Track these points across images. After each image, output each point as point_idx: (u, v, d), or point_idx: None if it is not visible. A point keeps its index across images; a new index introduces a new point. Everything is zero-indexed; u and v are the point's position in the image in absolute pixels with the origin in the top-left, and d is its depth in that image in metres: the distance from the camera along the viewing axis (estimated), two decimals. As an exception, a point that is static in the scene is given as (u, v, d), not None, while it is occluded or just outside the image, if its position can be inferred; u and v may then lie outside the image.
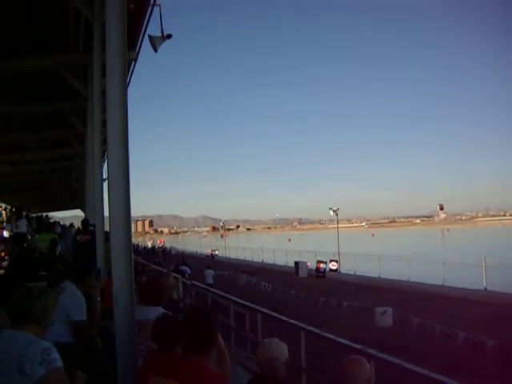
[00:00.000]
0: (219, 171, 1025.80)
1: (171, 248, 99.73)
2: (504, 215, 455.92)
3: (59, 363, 3.38)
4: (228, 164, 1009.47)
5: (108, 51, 5.30)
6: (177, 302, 13.33)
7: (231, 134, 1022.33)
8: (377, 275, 44.10)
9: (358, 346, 6.66)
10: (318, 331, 8.27)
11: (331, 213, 69.40)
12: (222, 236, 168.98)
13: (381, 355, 6.12)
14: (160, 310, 5.85)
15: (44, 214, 40.29)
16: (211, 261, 72.36)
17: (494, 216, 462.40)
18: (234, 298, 13.60)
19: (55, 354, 3.39)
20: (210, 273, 35.22)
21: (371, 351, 6.21)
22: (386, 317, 24.38)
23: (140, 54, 13.26)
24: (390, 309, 24.66)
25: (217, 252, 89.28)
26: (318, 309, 28.25)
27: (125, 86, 5.24)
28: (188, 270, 30.09)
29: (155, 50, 7.31)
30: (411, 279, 40.03)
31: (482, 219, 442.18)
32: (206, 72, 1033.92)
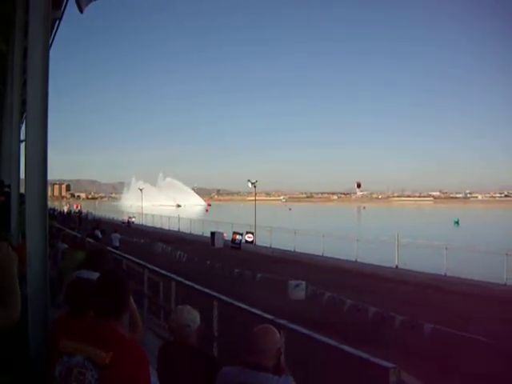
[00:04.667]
0: (140, 139, 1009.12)
1: (88, 213, 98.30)
2: (419, 196, 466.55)
3: None
4: (148, 133, 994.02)
5: (31, 8, 5.18)
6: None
7: (155, 104, 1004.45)
8: (292, 249, 44.59)
9: (270, 316, 6.75)
10: (230, 301, 8.35)
11: (249, 185, 69.51)
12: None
13: (291, 326, 6.23)
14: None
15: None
16: (128, 228, 71.91)
17: (409, 196, 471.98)
18: (148, 265, 13.56)
19: None
20: (116, 236, 36.51)
21: (282, 321, 6.31)
22: (299, 290, 24.68)
23: (66, 14, 12.85)
24: (304, 282, 24.96)
25: (133, 219, 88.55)
26: (232, 279, 28.40)
27: (47, 46, 5.14)
28: (99, 234, 30.12)
29: (81, 11, 7.14)
30: (325, 254, 40.62)
31: (397, 199, 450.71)
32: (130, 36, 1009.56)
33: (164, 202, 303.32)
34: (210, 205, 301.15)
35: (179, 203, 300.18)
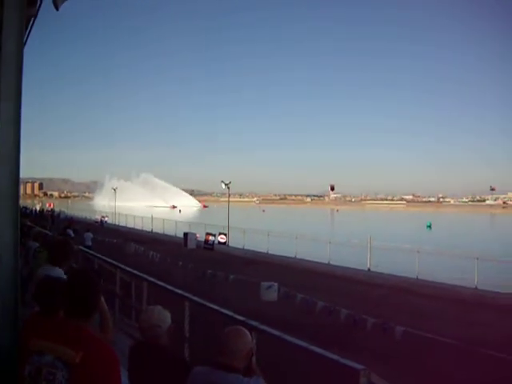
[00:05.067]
0: (115, 139, 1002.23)
1: (60, 212, 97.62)
2: (392, 200, 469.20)
3: None
4: (123, 134, 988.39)
5: (5, 5, 5.14)
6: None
7: (130, 103, 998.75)
8: (265, 250, 44.65)
9: (241, 318, 6.77)
10: (202, 301, 8.34)
11: (223, 186, 69.49)
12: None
13: (262, 327, 6.24)
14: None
15: None
16: (100, 227, 71.51)
17: (382, 200, 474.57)
18: (120, 265, 13.51)
19: None
20: (88, 235, 36.59)
21: (253, 323, 6.33)
22: (271, 291, 24.70)
23: (41, 12, 12.66)
24: (276, 284, 25.00)
25: (106, 219, 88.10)
26: (204, 280, 28.38)
27: (21, 43, 5.11)
28: (71, 233, 29.98)
29: (56, 8, 7.09)
30: (298, 256, 40.74)
31: (370, 202, 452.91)
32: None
33: (155, 203, 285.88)
34: (206, 206, 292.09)
35: (174, 204, 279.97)
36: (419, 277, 31.12)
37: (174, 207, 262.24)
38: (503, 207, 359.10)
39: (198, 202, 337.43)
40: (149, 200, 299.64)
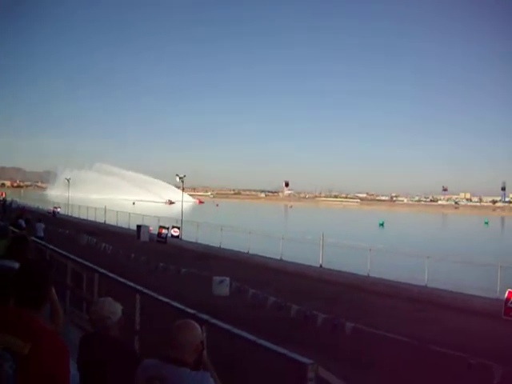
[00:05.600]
0: (68, 129, 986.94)
1: (12, 201, 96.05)
2: (345, 197, 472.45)
3: None
4: (77, 124, 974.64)
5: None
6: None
7: (79, 92, 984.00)
8: (218, 245, 44.61)
9: (191, 311, 6.77)
10: (153, 294, 8.33)
11: (177, 179, 69.17)
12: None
13: (213, 321, 6.26)
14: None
15: None
16: (53, 218, 70.69)
17: (335, 197, 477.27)
18: (72, 256, 13.38)
19: None
20: (40, 226, 35.45)
21: (204, 316, 6.34)
22: (223, 286, 24.75)
23: None
24: (228, 278, 25.05)
25: (59, 209, 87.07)
26: (156, 273, 28.29)
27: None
28: (23, 223, 29.56)
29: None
30: (251, 251, 40.79)
31: (324, 199, 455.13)
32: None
33: (141, 197, 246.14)
34: (202, 202, 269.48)
35: (171, 199, 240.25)
36: (370, 274, 31.40)
37: (171, 203, 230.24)
38: (455, 207, 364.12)
39: (190, 198, 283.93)
40: (128, 193, 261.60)
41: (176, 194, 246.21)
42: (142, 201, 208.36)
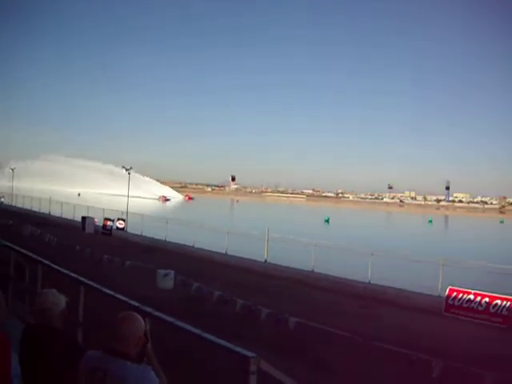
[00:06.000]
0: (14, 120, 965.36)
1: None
2: (292, 193, 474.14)
3: None
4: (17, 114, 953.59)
5: None
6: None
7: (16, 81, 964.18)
8: (163, 238, 44.47)
9: (135, 303, 6.77)
10: (97, 286, 8.29)
11: (124, 171, 68.60)
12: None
13: (156, 313, 6.26)
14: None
15: None
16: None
17: (282, 192, 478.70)
18: (15, 247, 13.20)
19: None
20: None
21: (147, 309, 6.34)
22: (167, 279, 24.72)
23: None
24: (172, 272, 25.03)
25: (2, 199, 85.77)
26: (101, 265, 28.11)
27: None
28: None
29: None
30: (196, 245, 40.75)
31: (270, 194, 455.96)
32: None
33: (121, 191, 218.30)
34: (191, 198, 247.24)
35: (166, 196, 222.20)
36: (315, 270, 31.64)
37: (165, 200, 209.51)
38: (400, 205, 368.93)
39: (177, 193, 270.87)
40: (106, 187, 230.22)
41: (161, 190, 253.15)
42: (120, 195, 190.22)
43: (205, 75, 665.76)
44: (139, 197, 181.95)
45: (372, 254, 29.89)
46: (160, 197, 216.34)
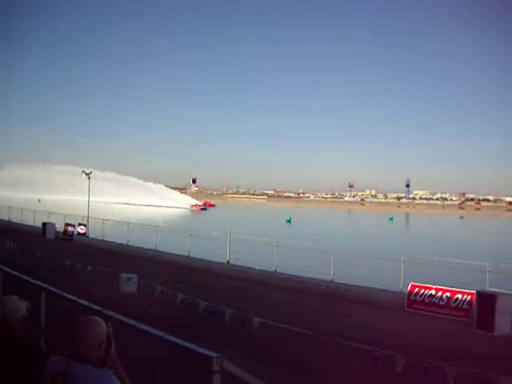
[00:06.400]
0: None
1: None
2: (253, 194, 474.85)
3: None
4: None
5: None
6: None
7: None
8: (125, 242, 44.27)
9: (97, 308, 6.77)
10: (59, 292, 8.26)
11: (84, 176, 67.92)
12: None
13: (118, 317, 6.27)
14: None
15: None
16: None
17: (243, 193, 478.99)
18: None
19: None
20: None
21: (109, 312, 6.35)
22: (130, 283, 24.60)
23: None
24: (135, 275, 24.93)
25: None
26: (62, 271, 27.86)
27: None
28: None
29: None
30: (158, 248, 40.68)
31: (231, 196, 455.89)
32: None
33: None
34: (212, 205, 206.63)
35: (199, 203, 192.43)
36: (278, 270, 31.78)
37: (201, 208, 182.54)
38: (361, 204, 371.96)
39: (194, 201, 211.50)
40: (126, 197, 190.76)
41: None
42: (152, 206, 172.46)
43: (168, 79, 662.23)
44: (164, 206, 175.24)
45: (334, 253, 30.12)
46: (193, 206, 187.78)
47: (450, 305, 23.02)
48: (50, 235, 49.19)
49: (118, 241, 45.07)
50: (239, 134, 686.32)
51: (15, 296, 5.04)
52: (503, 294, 21.32)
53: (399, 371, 13.55)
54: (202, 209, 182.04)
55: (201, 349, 5.07)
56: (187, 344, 5.34)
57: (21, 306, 4.90)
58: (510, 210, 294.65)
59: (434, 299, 23.55)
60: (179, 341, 5.49)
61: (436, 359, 13.90)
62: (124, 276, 24.81)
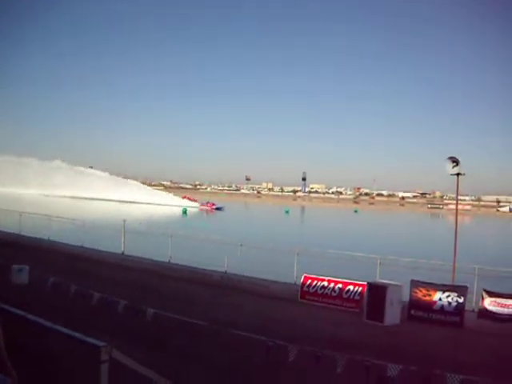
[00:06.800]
0: None
1: None
2: (151, 184, 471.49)
3: None
4: None
5: None
6: None
7: None
8: (17, 231, 43.07)
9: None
10: None
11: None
12: None
13: (5, 307, 6.24)
14: None
15: None
16: None
17: (143, 184, 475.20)
18: None
19: None
20: None
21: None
22: (22, 274, 24.13)
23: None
24: (27, 266, 24.46)
25: None
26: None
27: None
28: None
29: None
30: (52, 238, 39.84)
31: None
32: None
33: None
34: (218, 209, 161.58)
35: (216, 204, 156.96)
36: (172, 261, 31.80)
37: (213, 208, 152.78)
38: (257, 196, 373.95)
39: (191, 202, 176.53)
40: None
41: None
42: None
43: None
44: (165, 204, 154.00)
45: (228, 245, 30.39)
46: (204, 204, 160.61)
47: (342, 296, 23.66)
48: None
49: (8, 230, 43.70)
50: (138, 128, 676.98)
51: None
52: (393, 285, 22.08)
53: (291, 360, 13.86)
54: (216, 208, 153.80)
55: (88, 338, 5.13)
56: (74, 333, 5.39)
57: None
58: (402, 205, 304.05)
59: (326, 290, 24.14)
60: (67, 330, 5.54)
61: (328, 348, 14.33)
62: (15, 267, 24.31)
